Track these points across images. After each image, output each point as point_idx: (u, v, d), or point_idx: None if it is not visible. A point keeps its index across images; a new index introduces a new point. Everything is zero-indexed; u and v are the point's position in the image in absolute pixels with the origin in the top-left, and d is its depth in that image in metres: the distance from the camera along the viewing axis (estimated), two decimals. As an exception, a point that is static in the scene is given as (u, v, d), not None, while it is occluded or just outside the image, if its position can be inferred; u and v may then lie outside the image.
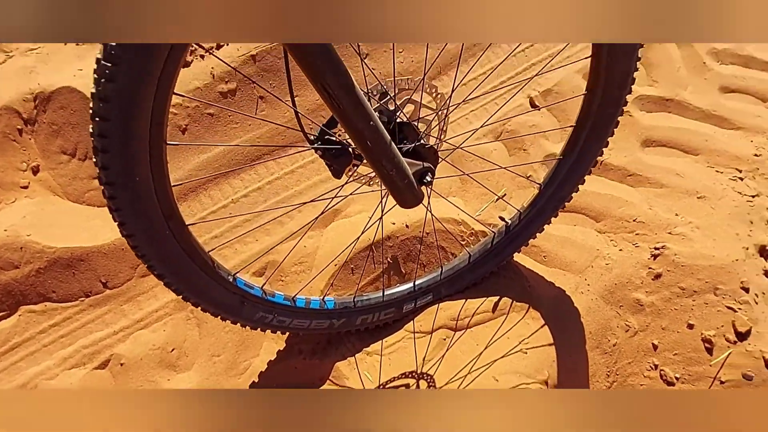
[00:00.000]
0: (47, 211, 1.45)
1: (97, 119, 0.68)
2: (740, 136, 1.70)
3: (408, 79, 0.84)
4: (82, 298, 1.41)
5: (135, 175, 0.74)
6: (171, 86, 0.70)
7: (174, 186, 0.82)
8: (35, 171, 1.50)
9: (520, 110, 1.73)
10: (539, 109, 1.73)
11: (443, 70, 1.77)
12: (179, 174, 1.49)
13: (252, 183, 1.55)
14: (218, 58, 1.35)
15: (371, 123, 0.76)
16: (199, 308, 0.99)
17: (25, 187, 1.49)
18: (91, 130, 0.71)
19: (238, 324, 1.07)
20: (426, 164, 0.89)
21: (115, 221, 0.79)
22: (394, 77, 0.81)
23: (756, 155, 1.62)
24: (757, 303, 1.29)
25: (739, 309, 1.26)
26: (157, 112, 0.70)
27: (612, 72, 0.92)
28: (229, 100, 1.52)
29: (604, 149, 1.06)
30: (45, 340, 1.35)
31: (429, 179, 0.90)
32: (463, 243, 1.39)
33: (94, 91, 0.67)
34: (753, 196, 1.51)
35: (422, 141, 0.89)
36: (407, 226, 1.39)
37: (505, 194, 1.56)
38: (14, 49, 1.67)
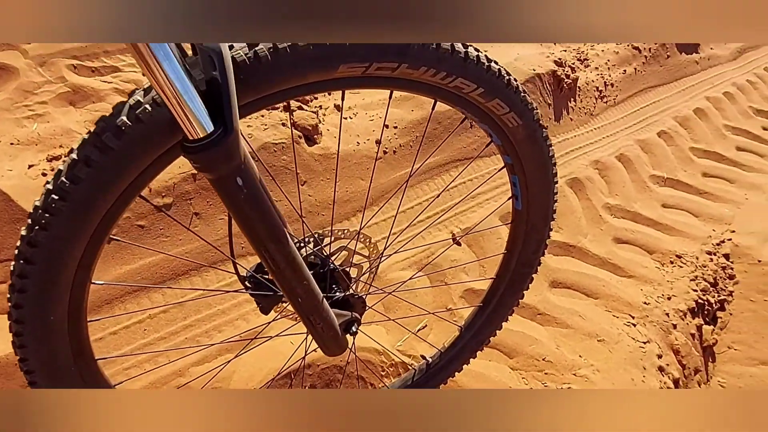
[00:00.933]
0: (-66, 315, 1.32)
1: (21, 261, 0.65)
2: (631, 284, 1.91)
3: (345, 230, 0.90)
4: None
5: (50, 315, 0.70)
6: (108, 233, 0.69)
7: (90, 322, 0.78)
8: (-71, 269, 1.38)
9: (442, 245, 1.85)
10: (460, 245, 1.86)
11: (375, 201, 1.89)
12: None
13: (173, 298, 1.50)
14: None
15: (305, 283, 0.78)
16: None
17: None
18: (12, 269, 0.68)
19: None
20: (354, 314, 0.91)
21: (16, 355, 0.73)
22: (332, 227, 0.87)
23: (645, 303, 1.82)
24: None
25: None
26: (88, 256, 0.68)
27: (529, 239, 1.04)
28: (163, 213, 1.52)
29: (519, 301, 1.16)
30: None
31: (355, 330, 0.91)
32: (382, 374, 1.40)
33: (24, 233, 0.65)
34: (645, 342, 1.67)
35: (352, 291, 0.93)
36: (329, 354, 1.39)
37: (425, 326, 1.62)
38: (-65, 138, 1.59)
